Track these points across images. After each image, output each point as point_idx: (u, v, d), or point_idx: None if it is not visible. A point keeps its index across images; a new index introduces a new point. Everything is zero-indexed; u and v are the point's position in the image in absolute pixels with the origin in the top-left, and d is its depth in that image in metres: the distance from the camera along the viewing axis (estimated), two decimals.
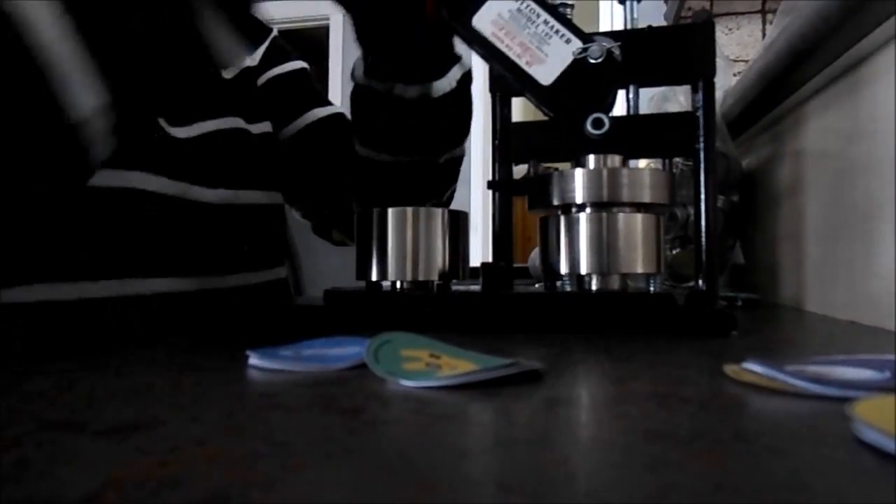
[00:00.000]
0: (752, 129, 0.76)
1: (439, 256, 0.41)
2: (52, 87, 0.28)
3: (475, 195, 2.83)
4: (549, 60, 0.39)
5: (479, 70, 0.57)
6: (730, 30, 1.49)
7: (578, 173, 0.39)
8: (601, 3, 2.71)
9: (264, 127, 0.61)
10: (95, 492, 0.13)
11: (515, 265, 0.46)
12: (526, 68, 0.39)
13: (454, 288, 0.42)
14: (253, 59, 0.62)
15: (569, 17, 0.42)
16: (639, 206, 0.39)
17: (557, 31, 0.39)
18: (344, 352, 0.28)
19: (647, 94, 0.57)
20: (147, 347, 0.32)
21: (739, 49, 1.46)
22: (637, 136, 0.44)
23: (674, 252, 0.71)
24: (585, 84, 0.39)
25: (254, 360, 0.27)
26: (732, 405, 0.21)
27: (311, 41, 2.84)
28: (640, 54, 0.41)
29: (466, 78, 0.55)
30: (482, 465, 0.15)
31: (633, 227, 0.39)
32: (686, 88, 0.66)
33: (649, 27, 0.43)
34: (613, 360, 0.28)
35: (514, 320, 0.38)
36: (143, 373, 0.27)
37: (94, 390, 0.23)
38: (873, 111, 0.45)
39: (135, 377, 0.26)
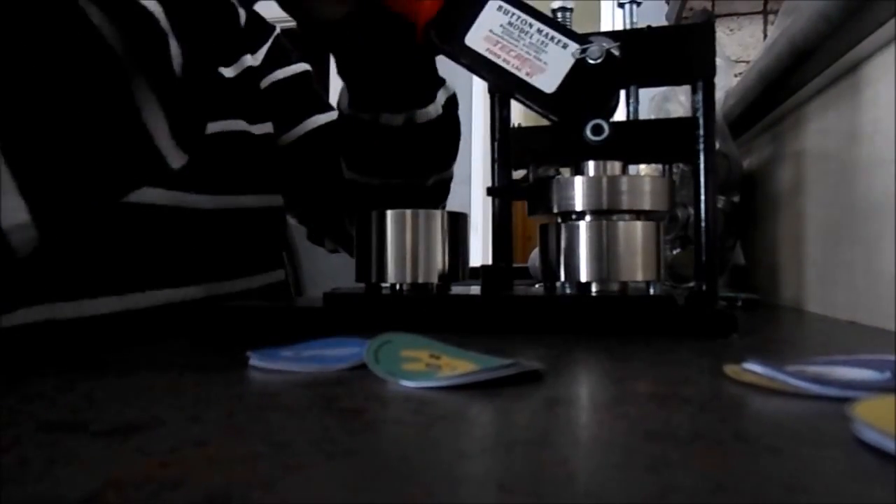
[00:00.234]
0: (753, 130, 0.76)
1: (439, 258, 0.41)
2: None
3: (475, 195, 2.83)
4: (549, 68, 0.39)
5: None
6: (731, 30, 1.49)
7: (578, 181, 0.39)
8: (602, 4, 2.71)
9: (266, 128, 0.60)
10: (95, 492, 0.13)
11: (515, 265, 0.46)
12: (527, 79, 0.39)
13: (454, 290, 0.42)
14: (255, 59, 0.62)
15: (568, 20, 0.42)
16: (638, 214, 0.39)
17: (553, 38, 0.39)
18: (344, 352, 0.27)
19: (647, 94, 0.57)
20: (147, 349, 0.32)
21: (741, 50, 1.46)
22: (637, 141, 0.44)
23: (674, 252, 0.71)
24: (589, 86, 0.39)
25: (254, 360, 0.27)
26: (733, 405, 0.21)
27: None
28: (640, 54, 0.41)
29: (452, 102, 0.55)
30: (482, 466, 0.15)
31: (633, 235, 0.39)
32: (686, 88, 0.66)
33: (649, 27, 0.42)
34: (613, 360, 0.28)
35: (513, 323, 0.38)
36: (143, 374, 0.27)
37: (94, 391, 0.23)
38: (874, 112, 0.45)
39: (135, 378, 0.26)
